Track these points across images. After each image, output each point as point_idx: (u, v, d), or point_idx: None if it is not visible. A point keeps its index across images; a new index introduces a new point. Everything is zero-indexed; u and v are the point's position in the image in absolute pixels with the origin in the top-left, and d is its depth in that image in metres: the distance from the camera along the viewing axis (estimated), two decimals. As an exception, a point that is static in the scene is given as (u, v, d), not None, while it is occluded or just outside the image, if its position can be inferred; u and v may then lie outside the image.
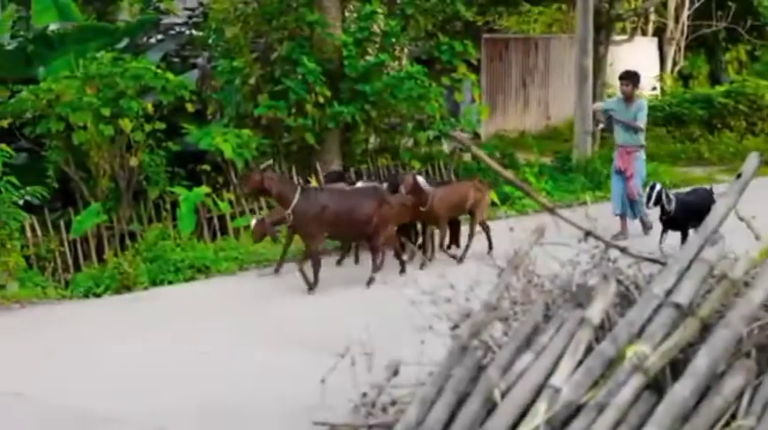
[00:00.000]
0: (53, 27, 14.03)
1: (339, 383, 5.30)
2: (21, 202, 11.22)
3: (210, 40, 15.16)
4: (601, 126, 15.31)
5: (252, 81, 13.87)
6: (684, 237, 10.34)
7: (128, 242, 12.10)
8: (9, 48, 14.19)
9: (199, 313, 9.28)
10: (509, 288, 4.56)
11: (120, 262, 11.00)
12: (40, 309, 9.92)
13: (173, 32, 17.01)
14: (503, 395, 3.84)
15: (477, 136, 12.63)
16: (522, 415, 3.74)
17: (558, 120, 23.18)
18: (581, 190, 15.22)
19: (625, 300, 4.36)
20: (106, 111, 12.09)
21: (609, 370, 3.76)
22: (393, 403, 4.82)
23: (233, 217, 12.86)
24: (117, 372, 7.30)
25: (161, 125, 12.61)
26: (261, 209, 12.79)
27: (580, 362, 3.82)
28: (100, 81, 12.30)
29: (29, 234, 11.58)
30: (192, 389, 6.73)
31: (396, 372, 5.18)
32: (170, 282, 10.74)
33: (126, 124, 12.17)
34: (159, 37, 16.79)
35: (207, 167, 13.49)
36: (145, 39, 16.67)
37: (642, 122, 12.34)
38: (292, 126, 13.71)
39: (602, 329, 4.02)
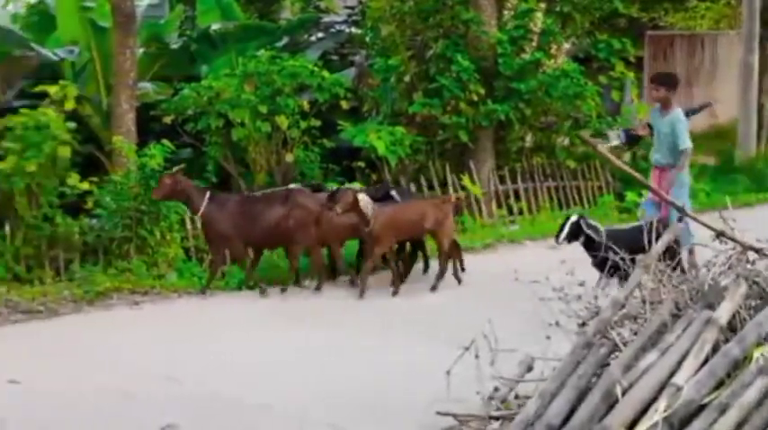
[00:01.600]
0: (216, 26, 14.49)
1: (467, 376, 5.32)
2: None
3: (367, 39, 15.35)
4: (616, 142, 12.80)
5: (407, 79, 14.02)
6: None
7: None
8: (174, 46, 14.75)
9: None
10: (640, 287, 4.46)
11: (271, 255, 11.28)
12: (196, 299, 10.26)
13: (332, 31, 17.28)
14: (624, 392, 3.76)
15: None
16: (643, 412, 3.66)
17: (727, 119, 22.34)
18: (743, 191, 14.62)
19: (764, 302, 4.19)
20: (263, 109, 12.40)
21: (734, 371, 3.63)
22: (516, 397, 4.81)
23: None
24: (267, 361, 7.50)
25: (316, 122, 12.85)
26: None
27: (705, 362, 3.70)
28: (258, 79, 12.60)
29: (188, 226, 12.00)
30: (331, 378, 6.87)
31: (530, 369, 5.16)
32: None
33: (282, 121, 12.45)
34: (319, 35, 17.08)
35: (361, 164, 13.68)
36: (305, 37, 16.98)
37: (683, 140, 9.92)
38: (446, 124, 13.77)
39: (732, 331, 3.88)
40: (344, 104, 13.22)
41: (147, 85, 13.77)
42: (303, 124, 12.76)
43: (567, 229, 8.85)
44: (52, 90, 11.88)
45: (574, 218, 8.95)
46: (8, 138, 11.20)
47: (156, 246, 11.07)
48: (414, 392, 6.26)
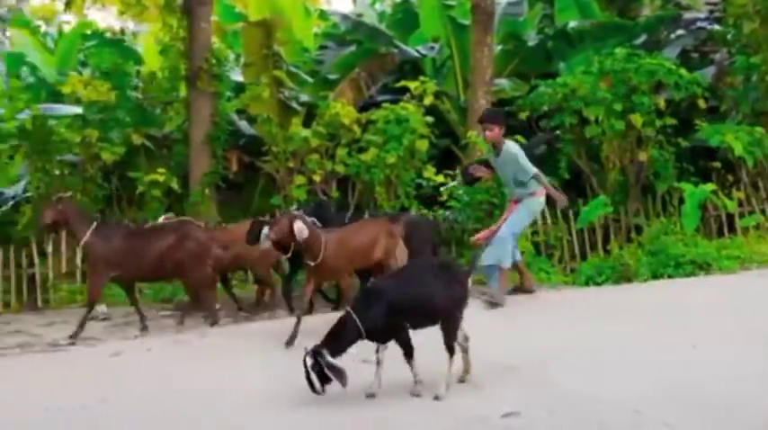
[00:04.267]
0: (573, 24, 14.48)
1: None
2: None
3: (729, 36, 14.67)
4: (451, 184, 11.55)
5: (769, 78, 13.26)
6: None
7: (632, 235, 12.22)
8: (531, 44, 14.89)
9: (694, 308, 9.10)
10: None
11: (622, 254, 11.15)
12: (543, 292, 10.36)
13: (693, 28, 16.67)
14: None
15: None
16: None
17: None
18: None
19: None
20: (618, 106, 12.24)
21: None
22: None
23: (741, 215, 12.42)
24: (599, 353, 7.44)
25: (672, 121, 12.49)
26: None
27: None
28: (614, 76, 12.44)
29: (539, 221, 12.14)
30: (668, 378, 6.67)
31: None
32: (669, 276, 10.67)
33: (637, 119, 12.21)
34: (679, 32, 16.54)
35: (717, 164, 13.14)
36: (664, 34, 16.53)
37: (527, 170, 9.59)
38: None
39: None
40: (702, 103, 12.71)
41: (503, 82, 14.03)
42: (658, 123, 12.44)
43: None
44: (413, 85, 12.46)
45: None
46: (370, 131, 11.93)
47: (505, 238, 11.28)
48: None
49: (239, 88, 13.81)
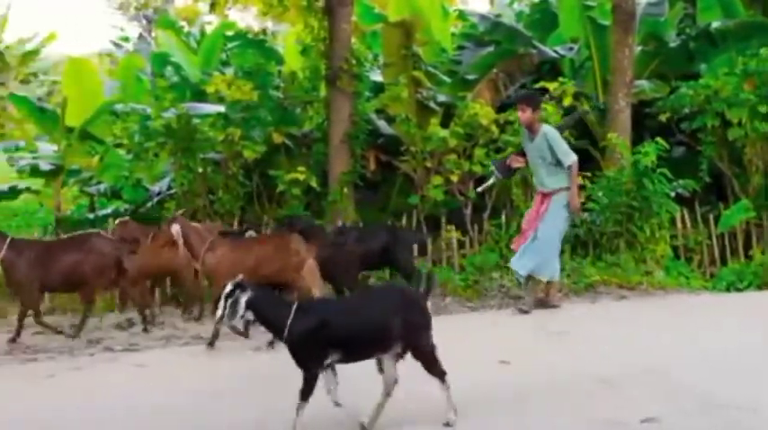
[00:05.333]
0: (716, 24, 14.16)
1: None
2: (672, 194, 11.59)
3: None
4: (492, 181, 10.57)
5: None
6: None
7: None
8: (672, 45, 14.63)
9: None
10: None
11: (766, 259, 10.88)
12: (684, 296, 10.21)
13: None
14: None
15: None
16: None
17: None
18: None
19: None
20: (763, 108, 11.98)
21: None
22: None
23: None
24: (738, 360, 7.30)
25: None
26: None
27: None
28: (758, 78, 12.16)
29: (678, 225, 11.96)
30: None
31: None
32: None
33: (782, 121, 11.92)
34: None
35: None
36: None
37: (566, 154, 9.40)
38: None
39: None
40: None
41: (643, 83, 13.83)
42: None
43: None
44: (552, 86, 12.42)
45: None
46: (508, 132, 12.03)
47: (645, 242, 11.19)
48: None
49: (377, 88, 13.98)
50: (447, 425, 5.76)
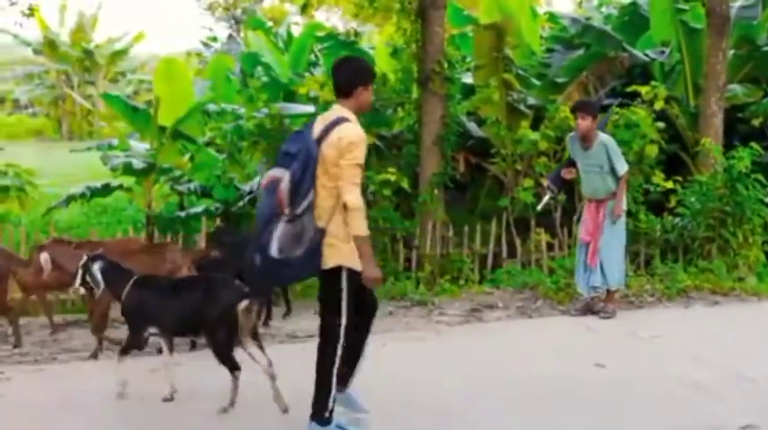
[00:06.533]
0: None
1: None
2: (766, 200, 11.48)
3: None
4: (548, 196, 10.22)
5: None
6: None
7: None
8: (765, 49, 14.46)
9: None
10: None
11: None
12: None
13: None
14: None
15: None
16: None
17: None
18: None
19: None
20: None
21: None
22: None
23: None
24: None
25: None
26: None
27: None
28: None
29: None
30: None
31: None
32: None
33: None
34: None
35: None
36: None
37: (621, 164, 9.32)
38: None
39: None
40: None
41: (736, 87, 13.70)
42: None
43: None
44: (643, 90, 12.37)
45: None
46: (600, 136, 11.92)
47: (737, 248, 11.12)
48: None
49: (468, 90, 14.06)
50: (224, 410, 6.24)
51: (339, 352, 5.56)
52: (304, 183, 5.37)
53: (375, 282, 5.48)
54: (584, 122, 9.23)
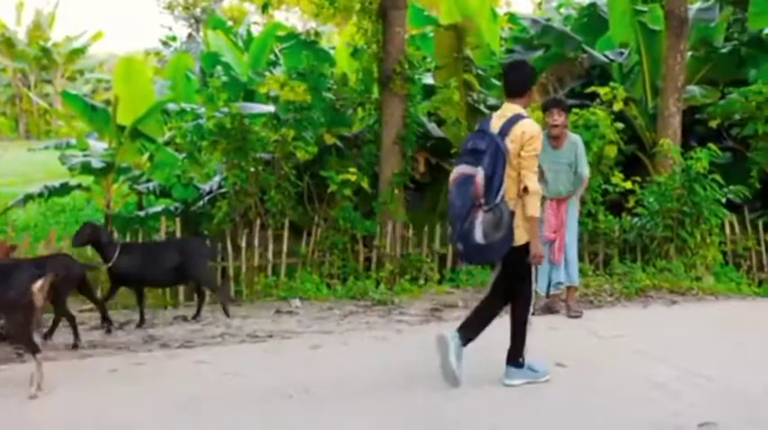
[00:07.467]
0: (767, 30, 14.13)
1: None
2: (723, 200, 11.61)
3: None
4: None
5: None
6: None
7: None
8: (723, 50, 14.62)
9: None
10: None
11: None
12: (732, 302, 10.24)
13: None
14: None
15: None
16: None
17: None
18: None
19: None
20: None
21: None
22: None
23: None
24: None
25: None
26: None
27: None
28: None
29: (728, 231, 11.97)
30: None
31: None
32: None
33: None
34: None
35: None
36: None
37: (584, 166, 9.32)
38: None
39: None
40: None
41: (694, 89, 13.84)
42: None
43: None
44: (602, 91, 12.45)
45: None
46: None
47: (695, 248, 11.22)
48: None
49: (428, 91, 14.07)
50: (33, 397, 6.41)
51: (530, 309, 6.68)
52: (496, 175, 6.14)
53: (540, 259, 6.53)
54: (561, 118, 9.18)
